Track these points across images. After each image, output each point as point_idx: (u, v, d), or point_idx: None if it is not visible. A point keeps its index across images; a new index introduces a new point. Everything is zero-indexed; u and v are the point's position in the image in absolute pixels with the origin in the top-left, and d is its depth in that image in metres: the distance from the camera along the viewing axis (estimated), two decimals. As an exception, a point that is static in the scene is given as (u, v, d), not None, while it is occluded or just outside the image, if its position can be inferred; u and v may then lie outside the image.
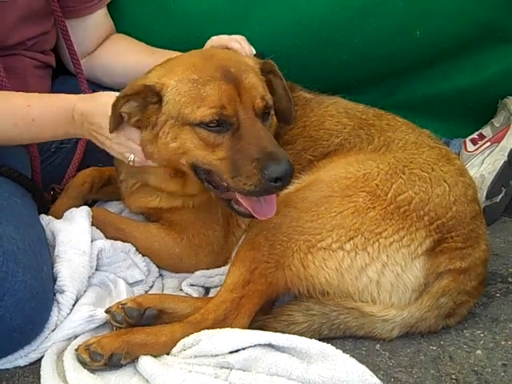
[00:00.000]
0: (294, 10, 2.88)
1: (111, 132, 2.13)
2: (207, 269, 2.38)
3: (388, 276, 2.09)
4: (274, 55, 2.34)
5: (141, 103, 2.11)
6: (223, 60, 2.14)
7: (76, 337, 2.06)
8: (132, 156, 2.21)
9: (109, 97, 2.17)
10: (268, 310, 2.16)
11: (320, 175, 2.25)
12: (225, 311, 2.05)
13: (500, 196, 2.87)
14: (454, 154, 2.40)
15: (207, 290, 2.36)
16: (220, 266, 2.40)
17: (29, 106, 2.23)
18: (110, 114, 2.09)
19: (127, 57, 2.72)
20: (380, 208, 2.11)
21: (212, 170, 2.09)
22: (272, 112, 2.21)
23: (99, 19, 2.80)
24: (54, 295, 2.10)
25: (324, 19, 2.88)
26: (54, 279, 2.12)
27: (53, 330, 2.05)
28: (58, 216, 2.41)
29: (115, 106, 2.09)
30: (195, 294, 2.28)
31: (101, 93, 2.27)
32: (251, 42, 2.48)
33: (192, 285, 2.32)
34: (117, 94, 2.14)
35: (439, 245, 2.13)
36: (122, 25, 2.88)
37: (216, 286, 2.34)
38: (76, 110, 2.22)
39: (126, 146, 2.20)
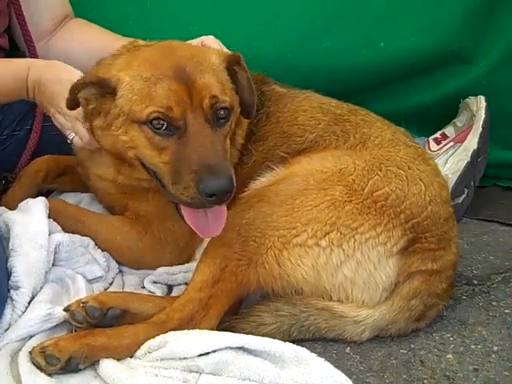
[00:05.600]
0: (264, 16, 3.00)
1: (69, 109, 2.09)
2: (170, 266, 2.27)
3: (361, 274, 2.04)
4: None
5: (99, 92, 2.05)
6: (182, 57, 2.04)
7: (31, 337, 1.91)
8: (73, 135, 2.19)
9: (66, 72, 2.16)
10: (235, 309, 2.08)
11: (294, 169, 2.18)
12: (191, 311, 1.95)
13: (462, 197, 2.87)
14: (428, 154, 2.38)
15: (170, 287, 2.25)
16: (183, 263, 2.29)
17: None
18: (66, 94, 2.06)
19: (91, 42, 2.58)
20: (357, 202, 2.06)
21: (156, 172, 2.02)
22: (234, 117, 2.11)
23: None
24: (8, 292, 1.95)
25: (293, 25, 3.00)
26: (8, 274, 1.97)
27: (6, 330, 1.90)
28: (11, 206, 2.26)
29: (74, 89, 2.04)
30: (159, 292, 2.17)
31: (57, 63, 2.23)
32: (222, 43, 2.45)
33: (155, 282, 2.21)
34: (75, 71, 2.15)
35: (412, 244, 2.09)
36: (97, 21, 2.78)
37: (179, 284, 2.24)
38: (30, 76, 2.19)
39: (73, 125, 2.17)
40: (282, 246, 2.02)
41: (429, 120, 3.15)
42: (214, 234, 2.01)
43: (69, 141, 2.22)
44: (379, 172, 2.13)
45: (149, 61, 2.04)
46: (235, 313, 2.06)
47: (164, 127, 1.95)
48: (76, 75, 2.12)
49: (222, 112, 2.01)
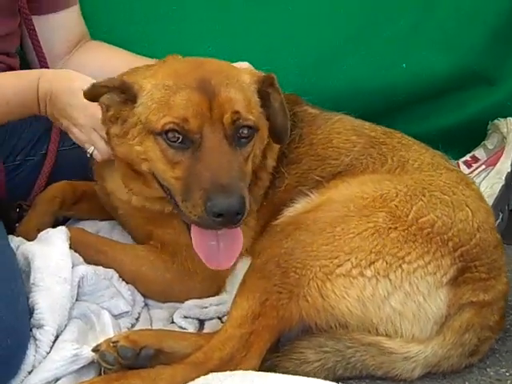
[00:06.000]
0: (283, 35, 2.92)
1: (86, 98, 1.96)
2: (199, 297, 2.12)
3: (410, 306, 1.90)
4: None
5: (121, 98, 1.93)
6: (210, 71, 1.93)
7: (57, 380, 1.75)
8: (92, 148, 2.08)
9: (80, 80, 2.03)
10: (274, 346, 1.92)
11: (332, 195, 2.05)
12: (232, 350, 1.79)
13: (497, 222, 2.73)
14: (470, 179, 2.26)
15: (201, 322, 2.10)
16: (213, 295, 2.14)
17: None
18: (81, 104, 2.00)
19: (112, 64, 2.44)
20: (402, 229, 1.92)
21: (169, 189, 1.89)
22: (261, 142, 2.01)
23: (67, 20, 2.56)
24: (31, 330, 1.79)
25: (313, 46, 2.94)
26: (31, 312, 1.81)
27: (29, 372, 1.73)
28: (27, 235, 2.12)
29: (95, 88, 1.94)
30: (191, 328, 2.02)
31: (69, 71, 2.12)
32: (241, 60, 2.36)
33: (185, 317, 2.05)
34: (89, 79, 2.03)
35: (462, 274, 1.95)
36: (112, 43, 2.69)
37: (211, 318, 2.09)
38: (40, 87, 2.06)
39: (90, 137, 2.06)
40: (324, 277, 1.88)
41: (454, 143, 3.03)
42: (223, 266, 1.86)
43: (88, 154, 2.11)
44: (423, 197, 2.00)
45: (175, 71, 1.94)
46: (275, 350, 1.90)
47: (179, 140, 1.83)
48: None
49: (246, 131, 1.88)
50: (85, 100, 1.97)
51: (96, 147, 2.08)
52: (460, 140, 3.03)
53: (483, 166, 2.86)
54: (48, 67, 2.46)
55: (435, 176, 2.11)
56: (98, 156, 2.10)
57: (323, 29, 2.95)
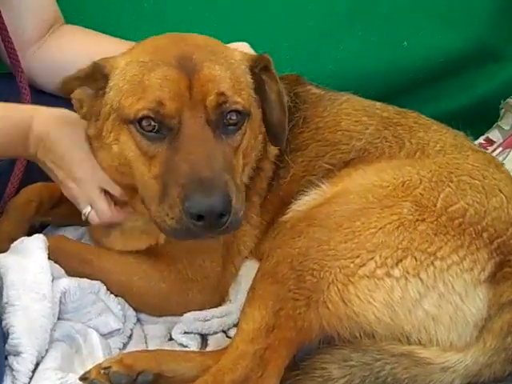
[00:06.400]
0: (273, 14, 2.75)
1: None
2: (200, 309, 1.86)
3: (446, 308, 1.67)
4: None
5: (94, 88, 1.68)
6: (192, 45, 1.68)
7: (39, 416, 1.49)
8: (89, 209, 1.77)
9: (81, 127, 1.77)
10: (292, 363, 1.67)
11: (346, 185, 1.82)
12: (245, 370, 1.54)
13: (519, 208, 2.53)
14: (498, 160, 2.05)
15: (203, 337, 1.84)
16: (214, 306, 1.89)
17: None
18: (85, 156, 1.75)
19: (91, 49, 2.15)
20: (430, 220, 1.70)
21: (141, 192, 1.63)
22: (252, 129, 1.75)
23: (35, 2, 2.28)
24: (6, 359, 1.53)
25: (305, 24, 2.76)
26: (5, 337, 1.55)
27: (6, 410, 1.48)
28: (-1, 247, 1.84)
29: (65, 84, 1.71)
30: (194, 345, 1.76)
31: (67, 113, 1.80)
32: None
33: (186, 332, 1.79)
34: None
35: (500, 269, 1.73)
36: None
37: (215, 333, 1.84)
38: (34, 129, 1.76)
39: (89, 195, 1.76)
40: (345, 280, 1.64)
41: (464, 125, 2.83)
42: None
43: (83, 216, 1.80)
44: (450, 183, 1.78)
45: (152, 47, 1.70)
46: (292, 367, 1.65)
47: (155, 129, 1.57)
48: None
49: (234, 117, 1.63)
50: (90, 152, 1.73)
51: (95, 207, 1.77)
52: (471, 122, 2.79)
53: (500, 149, 2.66)
54: (16, 53, 2.20)
55: (461, 159, 1.89)
56: (94, 219, 1.78)
57: (315, 6, 2.75)
